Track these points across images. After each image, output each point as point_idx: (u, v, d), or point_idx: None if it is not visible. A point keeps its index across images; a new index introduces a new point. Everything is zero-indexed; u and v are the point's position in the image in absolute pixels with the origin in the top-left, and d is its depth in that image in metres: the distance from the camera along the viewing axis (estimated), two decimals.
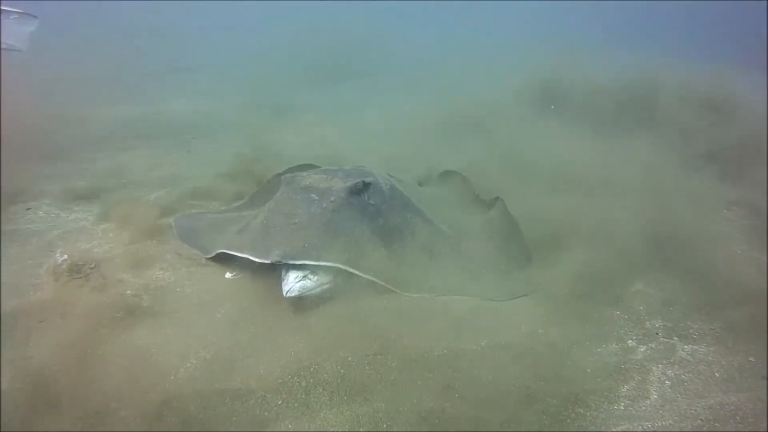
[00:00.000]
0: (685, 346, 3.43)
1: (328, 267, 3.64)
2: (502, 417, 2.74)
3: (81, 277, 3.87)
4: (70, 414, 2.64)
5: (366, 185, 3.98)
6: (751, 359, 3.28)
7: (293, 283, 3.49)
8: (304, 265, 3.56)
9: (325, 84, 11.97)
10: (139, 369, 3.00)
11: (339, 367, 2.96)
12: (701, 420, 2.78)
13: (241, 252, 3.79)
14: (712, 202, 5.13)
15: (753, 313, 3.66)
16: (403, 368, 2.99)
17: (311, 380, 2.89)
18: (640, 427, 2.72)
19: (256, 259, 3.61)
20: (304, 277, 3.53)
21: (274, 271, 3.94)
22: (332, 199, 3.81)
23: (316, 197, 3.83)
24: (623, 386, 3.06)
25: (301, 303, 3.54)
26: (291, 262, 3.47)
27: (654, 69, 8.93)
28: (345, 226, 3.74)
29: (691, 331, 3.60)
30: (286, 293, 3.46)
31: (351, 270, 3.55)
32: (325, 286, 3.61)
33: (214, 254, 4.13)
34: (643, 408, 2.89)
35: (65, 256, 4.00)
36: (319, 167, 4.99)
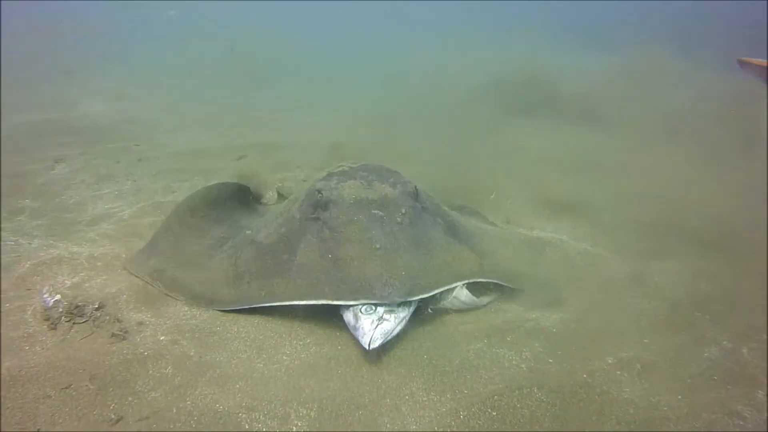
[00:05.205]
0: None
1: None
2: None
3: (86, 322, 2.97)
4: None
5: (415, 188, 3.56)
6: None
7: (372, 330, 2.86)
8: (375, 305, 2.97)
9: (263, 82, 11.16)
10: None
11: (489, 410, 2.46)
12: None
13: (319, 298, 3.02)
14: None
15: None
16: (553, 401, 2.57)
17: (465, 429, 2.36)
18: None
19: (354, 302, 2.94)
20: (380, 319, 2.92)
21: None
22: (403, 210, 3.31)
23: (381, 212, 3.28)
24: (758, 391, 2.88)
25: None
26: (407, 299, 2.96)
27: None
28: (426, 238, 3.31)
29: None
30: (369, 345, 2.82)
31: (472, 281, 3.26)
32: (404, 322, 3.04)
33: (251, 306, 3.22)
34: None
35: (57, 296, 3.06)
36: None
